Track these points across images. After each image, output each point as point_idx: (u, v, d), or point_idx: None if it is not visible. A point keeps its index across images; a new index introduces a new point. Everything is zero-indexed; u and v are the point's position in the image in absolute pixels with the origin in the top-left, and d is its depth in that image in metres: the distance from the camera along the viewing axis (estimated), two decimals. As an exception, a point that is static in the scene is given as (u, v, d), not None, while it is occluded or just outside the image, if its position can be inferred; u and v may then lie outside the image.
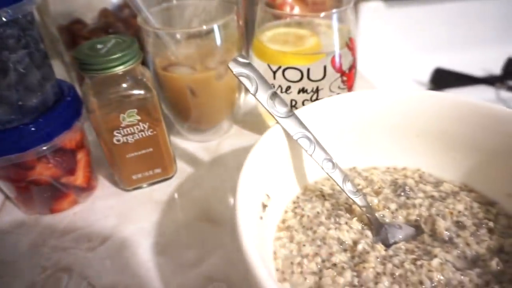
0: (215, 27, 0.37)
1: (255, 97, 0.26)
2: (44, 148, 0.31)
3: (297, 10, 0.46)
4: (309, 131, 0.26)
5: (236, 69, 0.26)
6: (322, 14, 0.36)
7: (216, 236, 0.33)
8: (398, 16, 0.64)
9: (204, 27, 0.36)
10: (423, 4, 0.65)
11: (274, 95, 0.26)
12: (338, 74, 0.37)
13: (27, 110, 0.30)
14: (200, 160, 0.42)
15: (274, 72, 0.37)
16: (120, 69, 0.31)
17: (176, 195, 0.38)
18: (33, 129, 0.30)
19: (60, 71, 0.46)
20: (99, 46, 0.32)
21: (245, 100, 0.47)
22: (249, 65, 0.26)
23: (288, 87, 0.37)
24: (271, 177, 0.26)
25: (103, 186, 0.39)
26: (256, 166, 0.24)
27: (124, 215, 0.36)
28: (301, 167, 0.30)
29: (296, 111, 0.27)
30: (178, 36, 0.39)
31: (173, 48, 0.38)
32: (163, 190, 0.38)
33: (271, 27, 0.41)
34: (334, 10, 0.36)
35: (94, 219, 0.36)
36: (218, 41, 0.38)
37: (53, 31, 0.44)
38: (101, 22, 0.43)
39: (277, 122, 0.26)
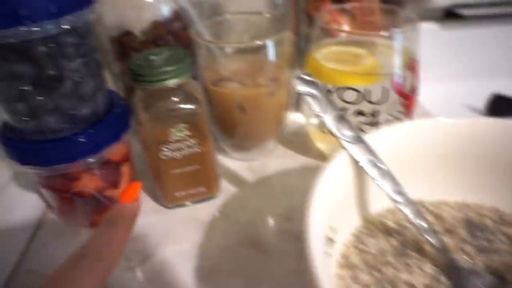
0: (269, 42, 0.35)
1: (320, 119, 0.24)
2: (92, 160, 0.30)
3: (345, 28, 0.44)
4: (379, 159, 0.24)
5: (300, 87, 0.24)
6: (385, 33, 0.34)
7: (262, 264, 0.31)
8: (453, 38, 0.61)
9: (258, 42, 0.35)
10: (480, 26, 0.62)
11: (341, 118, 0.24)
12: (399, 97, 0.35)
13: (78, 120, 0.29)
14: (244, 180, 0.40)
15: (329, 91, 0.35)
16: (173, 82, 0.30)
17: (219, 216, 0.36)
18: (83, 140, 0.29)
19: (108, 81, 0.46)
20: (152, 57, 0.31)
21: (292, 119, 0.45)
22: (315, 83, 0.24)
23: (344, 108, 0.35)
24: (333, 207, 0.24)
25: (144, 201, 0.38)
26: (322, 195, 0.22)
27: (165, 234, 0.34)
28: (363, 196, 0.27)
29: (365, 137, 0.25)
30: (229, 50, 0.38)
31: (224, 63, 0.37)
32: (206, 210, 0.36)
33: (326, 45, 0.39)
34: (397, 29, 0.34)
35: (133, 236, 0.34)
36: (271, 57, 0.36)
37: (104, 41, 0.44)
38: (152, 35, 0.42)
39: (343, 147, 0.24)
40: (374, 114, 0.35)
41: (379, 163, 0.24)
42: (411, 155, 0.27)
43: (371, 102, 0.34)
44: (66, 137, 0.29)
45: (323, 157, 0.42)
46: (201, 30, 0.36)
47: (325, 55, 0.38)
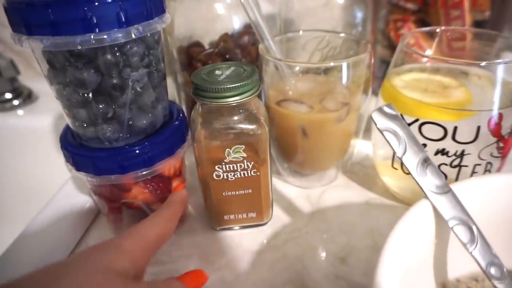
0: (344, 65, 0.32)
1: (401, 161, 0.20)
2: (144, 173, 0.29)
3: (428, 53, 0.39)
4: (470, 218, 0.19)
5: (381, 122, 0.20)
6: (483, 63, 0.29)
7: (309, 312, 0.27)
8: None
9: (332, 64, 0.32)
10: None
11: (426, 162, 0.20)
12: (494, 139, 0.29)
13: (135, 130, 0.28)
14: (298, 210, 0.37)
15: (409, 125, 0.31)
16: (234, 101, 0.28)
17: (267, 247, 0.33)
18: (137, 151, 0.28)
19: (171, 89, 0.46)
20: (217, 72, 0.29)
21: (358, 147, 0.41)
22: (398, 119, 0.20)
23: (424, 145, 0.31)
24: (408, 268, 0.20)
25: (192, 219, 0.36)
26: (396, 252, 0.18)
27: (208, 257, 0.32)
28: (443, 257, 0.22)
29: (453, 187, 0.20)
30: (298, 69, 0.35)
31: (292, 82, 0.34)
32: (254, 237, 0.34)
33: (407, 71, 0.35)
34: (501, 60, 0.29)
35: (177, 255, 0.32)
36: (344, 80, 0.33)
37: (173, 51, 0.43)
38: (220, 47, 0.41)
39: (427, 197, 0.20)
40: (460, 155, 0.30)
41: (470, 223, 0.19)
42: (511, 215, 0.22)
43: (458, 142, 0.29)
44: (121, 148, 0.28)
45: (388, 194, 0.37)
46: (271, 46, 0.34)
47: (406, 82, 0.34)
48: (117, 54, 0.25)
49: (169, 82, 0.44)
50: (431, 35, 0.40)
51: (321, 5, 0.42)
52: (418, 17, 0.50)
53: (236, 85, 0.27)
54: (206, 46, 0.42)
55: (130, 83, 0.26)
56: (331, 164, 0.39)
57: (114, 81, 0.25)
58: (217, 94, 0.28)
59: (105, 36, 0.23)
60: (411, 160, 0.20)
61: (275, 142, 0.38)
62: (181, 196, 0.28)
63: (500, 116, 0.29)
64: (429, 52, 0.40)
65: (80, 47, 0.23)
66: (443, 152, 0.30)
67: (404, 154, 0.20)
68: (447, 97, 0.31)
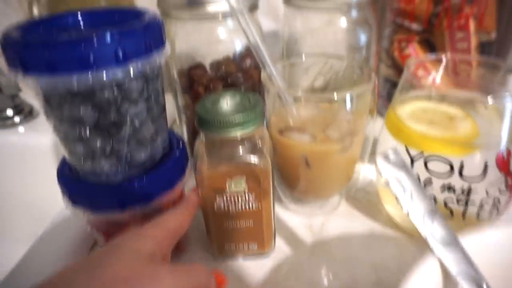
0: (348, 96, 0.31)
1: (404, 209, 0.19)
2: (143, 208, 0.28)
3: (437, 79, 0.38)
4: (479, 274, 0.18)
5: (387, 170, 0.19)
6: (490, 101, 0.28)
7: None
8: None
9: (336, 97, 0.31)
10: None
11: (433, 213, 0.19)
12: (503, 175, 0.28)
13: (134, 164, 0.28)
14: (300, 241, 0.36)
15: (413, 158, 0.30)
16: (239, 134, 0.27)
17: (268, 280, 0.32)
18: (136, 187, 0.27)
19: (171, 108, 0.45)
20: (222, 102, 0.29)
21: (361, 171, 0.40)
22: (404, 167, 0.20)
23: (429, 180, 0.30)
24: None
25: (193, 246, 0.35)
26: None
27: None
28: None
29: (461, 239, 0.20)
30: (299, 94, 0.35)
31: (294, 111, 0.34)
32: (255, 269, 0.33)
33: (412, 99, 0.34)
34: (507, 93, 0.28)
35: None
36: (348, 108, 0.32)
37: (173, 73, 0.43)
38: (222, 71, 0.40)
39: (433, 251, 0.19)
40: (467, 191, 0.29)
41: (479, 278, 0.18)
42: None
43: (464, 177, 0.28)
44: (119, 183, 0.27)
45: (392, 224, 0.37)
46: (273, 73, 0.34)
47: (410, 112, 0.33)
48: (115, 90, 0.24)
49: (169, 99, 0.44)
50: (439, 62, 0.39)
51: (324, 26, 0.42)
52: (423, 37, 0.50)
53: (242, 117, 0.27)
54: (208, 67, 0.42)
55: (128, 119, 0.26)
56: (334, 192, 0.38)
57: (112, 117, 0.25)
58: (222, 128, 0.27)
59: (103, 75, 0.22)
60: (417, 210, 0.19)
61: (277, 170, 0.37)
62: (193, 198, 0.29)
63: (508, 152, 0.28)
64: (434, 74, 0.39)
65: (77, 86, 0.22)
66: (449, 188, 0.29)
67: (408, 202, 0.19)
68: (453, 129, 0.31)
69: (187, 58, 0.42)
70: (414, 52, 0.50)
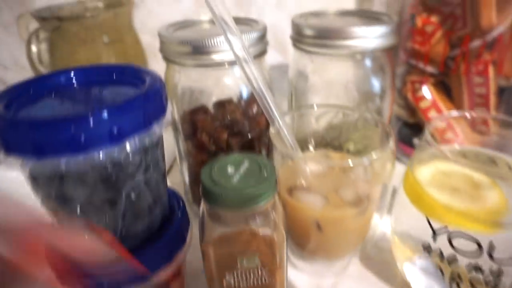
0: (365, 161, 0.29)
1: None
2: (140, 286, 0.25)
3: (459, 135, 0.35)
4: None
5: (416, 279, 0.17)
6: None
7: None
8: None
9: (350, 164, 0.28)
10: None
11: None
12: (536, 257, 0.26)
13: (129, 237, 0.25)
14: (309, 309, 0.33)
15: (435, 232, 0.28)
16: (250, 209, 0.25)
17: None
18: (130, 266, 0.24)
19: (169, 145, 0.42)
20: (230, 169, 0.26)
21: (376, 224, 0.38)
22: (433, 274, 0.17)
23: (454, 257, 0.27)
24: None
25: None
26: None
27: None
28: None
29: None
30: (311, 149, 0.32)
31: (304, 169, 0.31)
32: None
33: (430, 159, 0.31)
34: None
35: None
36: (364, 171, 0.30)
37: (175, 116, 0.41)
38: (227, 119, 0.38)
39: None
40: (497, 273, 0.26)
41: None
42: None
43: (494, 259, 0.26)
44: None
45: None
46: (283, 129, 0.31)
47: (430, 176, 0.30)
48: (109, 168, 0.22)
49: (169, 136, 0.41)
50: (462, 119, 0.36)
51: (336, 73, 0.39)
52: (438, 79, 0.48)
53: (255, 190, 0.24)
54: (211, 109, 0.39)
55: (124, 194, 0.23)
56: (346, 253, 0.35)
57: (106, 194, 0.22)
58: (231, 204, 0.24)
59: (95, 156, 0.20)
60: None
61: (287, 230, 0.34)
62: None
63: (544, 233, 0.25)
64: (456, 132, 0.36)
65: (66, 169, 0.20)
66: (477, 268, 0.26)
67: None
68: (480, 200, 0.28)
69: (190, 103, 0.40)
70: (429, 94, 0.48)
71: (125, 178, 0.23)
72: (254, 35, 0.35)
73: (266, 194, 0.25)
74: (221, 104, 0.39)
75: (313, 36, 0.35)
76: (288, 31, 0.41)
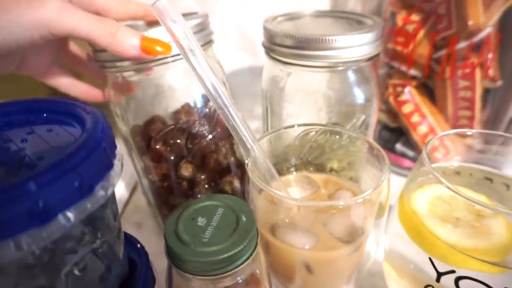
0: (354, 203, 0.24)
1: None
2: None
3: (451, 151, 0.32)
4: None
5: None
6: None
7: None
8: None
9: (341, 204, 0.24)
10: None
11: None
12: (552, 299, 0.23)
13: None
14: None
15: (440, 274, 0.24)
16: (224, 272, 0.20)
17: None
18: None
19: (129, 169, 0.37)
20: (199, 222, 0.22)
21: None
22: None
23: (462, 302, 0.24)
24: None
25: None
26: None
27: None
28: None
29: None
30: (293, 173, 0.28)
31: (291, 208, 0.27)
32: None
33: (425, 183, 0.28)
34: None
35: None
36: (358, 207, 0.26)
37: (123, 130, 0.35)
38: (182, 122, 0.33)
39: None
40: (509, 319, 0.23)
41: None
42: None
43: (507, 303, 0.23)
44: None
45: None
46: (258, 158, 0.27)
47: (428, 205, 0.27)
48: (38, 252, 0.16)
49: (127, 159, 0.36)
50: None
51: (315, 85, 0.35)
52: (420, 82, 0.44)
53: (228, 254, 0.20)
54: (167, 119, 0.35)
55: (63, 275, 0.18)
56: (336, 290, 0.32)
57: (37, 282, 0.17)
58: (202, 270, 0.20)
59: (11, 245, 0.14)
60: None
61: (272, 269, 0.30)
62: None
63: (561, 274, 0.22)
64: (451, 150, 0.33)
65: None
66: (488, 314, 0.23)
67: None
68: (486, 235, 0.25)
69: (139, 114, 0.34)
70: (412, 98, 0.44)
71: (62, 257, 0.17)
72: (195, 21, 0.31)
73: (245, 252, 0.20)
74: (176, 111, 0.34)
75: (289, 46, 0.31)
76: (258, 31, 0.36)
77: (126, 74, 0.32)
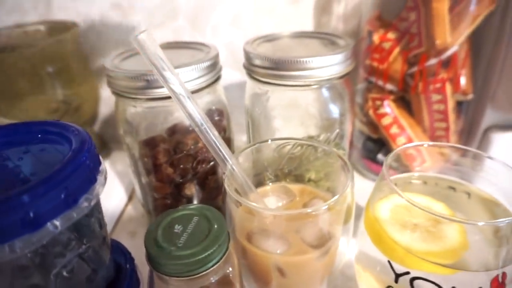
0: (323, 208, 0.27)
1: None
2: None
3: (427, 161, 0.35)
4: None
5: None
6: (481, 223, 0.25)
7: None
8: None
9: (307, 212, 0.27)
10: None
11: None
12: (498, 298, 0.25)
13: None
14: None
15: (398, 275, 0.27)
16: (200, 273, 0.23)
17: None
18: None
19: (124, 182, 0.39)
20: (176, 227, 0.24)
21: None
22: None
23: (417, 301, 0.26)
24: None
25: None
26: None
27: None
28: None
29: None
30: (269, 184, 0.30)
31: (266, 217, 0.29)
32: None
33: (388, 193, 0.30)
34: (502, 220, 0.25)
35: None
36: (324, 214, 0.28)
37: (130, 148, 0.38)
38: (191, 148, 0.36)
39: None
40: (459, 316, 0.25)
41: None
42: None
43: (457, 302, 0.25)
44: None
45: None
46: (233, 167, 0.29)
47: (390, 212, 0.29)
48: (29, 255, 0.19)
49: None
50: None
51: (292, 101, 0.38)
52: (398, 95, 0.47)
53: (201, 254, 0.22)
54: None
55: (52, 277, 0.20)
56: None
57: (29, 281, 0.20)
58: (177, 271, 0.22)
59: (6, 249, 0.17)
60: None
61: (246, 272, 0.32)
62: None
63: (504, 275, 0.25)
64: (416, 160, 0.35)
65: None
66: (439, 311, 0.25)
67: None
68: (440, 239, 0.27)
69: (147, 134, 0.37)
70: (391, 111, 0.47)
71: (52, 260, 0.20)
72: (206, 64, 0.33)
73: (215, 255, 0.23)
74: (175, 131, 0.37)
75: (266, 67, 0.34)
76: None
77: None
